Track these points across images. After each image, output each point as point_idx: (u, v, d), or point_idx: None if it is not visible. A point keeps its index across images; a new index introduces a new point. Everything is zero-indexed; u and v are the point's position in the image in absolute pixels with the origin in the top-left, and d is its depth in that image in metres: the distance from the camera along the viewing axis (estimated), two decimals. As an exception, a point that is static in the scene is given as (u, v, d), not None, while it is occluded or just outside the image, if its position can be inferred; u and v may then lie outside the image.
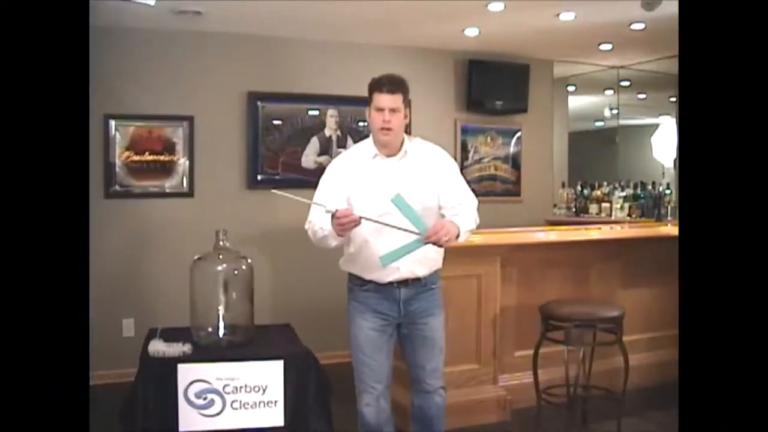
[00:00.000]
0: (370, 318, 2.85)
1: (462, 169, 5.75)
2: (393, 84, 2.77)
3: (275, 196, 5.13)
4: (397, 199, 2.63)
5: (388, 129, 2.75)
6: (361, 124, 5.40)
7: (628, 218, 5.89)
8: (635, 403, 4.02)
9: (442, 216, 2.86)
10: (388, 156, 2.83)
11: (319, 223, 2.75)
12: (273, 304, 4.96)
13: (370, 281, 2.84)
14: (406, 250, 2.66)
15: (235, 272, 3.39)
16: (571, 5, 4.48)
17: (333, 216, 2.61)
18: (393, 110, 2.75)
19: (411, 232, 2.64)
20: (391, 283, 2.80)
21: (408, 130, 3.03)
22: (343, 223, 2.61)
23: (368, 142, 2.89)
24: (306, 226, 2.88)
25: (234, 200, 5.15)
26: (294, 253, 4.97)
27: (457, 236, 2.71)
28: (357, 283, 2.89)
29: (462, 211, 2.83)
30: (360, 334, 2.87)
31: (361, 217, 2.62)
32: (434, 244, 2.66)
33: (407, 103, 2.83)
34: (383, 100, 2.75)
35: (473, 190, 3.00)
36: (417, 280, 2.84)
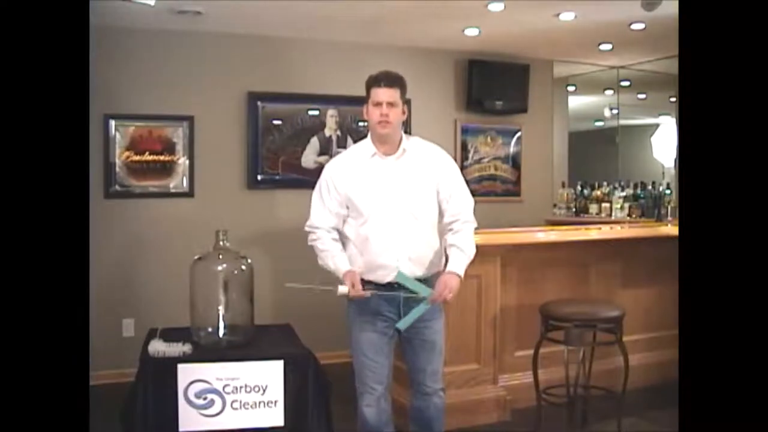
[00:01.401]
0: (371, 320, 2.85)
1: (462, 169, 5.74)
2: (390, 79, 2.79)
3: (275, 195, 5.22)
4: (399, 275, 2.74)
5: (387, 122, 2.76)
6: (361, 124, 5.39)
7: (628, 218, 5.88)
8: (635, 403, 4.01)
9: (441, 214, 2.88)
10: (387, 155, 2.83)
11: (323, 248, 2.88)
12: (273, 304, 4.95)
13: (370, 282, 2.84)
14: (417, 314, 2.76)
15: (235, 272, 3.39)
16: (571, 5, 4.48)
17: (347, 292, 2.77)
18: (390, 104, 2.76)
19: (418, 297, 2.76)
20: (390, 284, 2.80)
21: (408, 130, 3.03)
22: (353, 296, 2.77)
23: (366, 142, 2.89)
24: (306, 228, 2.90)
25: (234, 200, 5.15)
26: (294, 253, 4.93)
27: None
28: (357, 284, 2.90)
29: (461, 238, 2.84)
30: (361, 337, 2.87)
31: (371, 293, 2.76)
32: (442, 302, 2.79)
33: (405, 100, 2.84)
34: (381, 93, 2.76)
35: (473, 190, 3.02)
36: (416, 280, 2.84)
